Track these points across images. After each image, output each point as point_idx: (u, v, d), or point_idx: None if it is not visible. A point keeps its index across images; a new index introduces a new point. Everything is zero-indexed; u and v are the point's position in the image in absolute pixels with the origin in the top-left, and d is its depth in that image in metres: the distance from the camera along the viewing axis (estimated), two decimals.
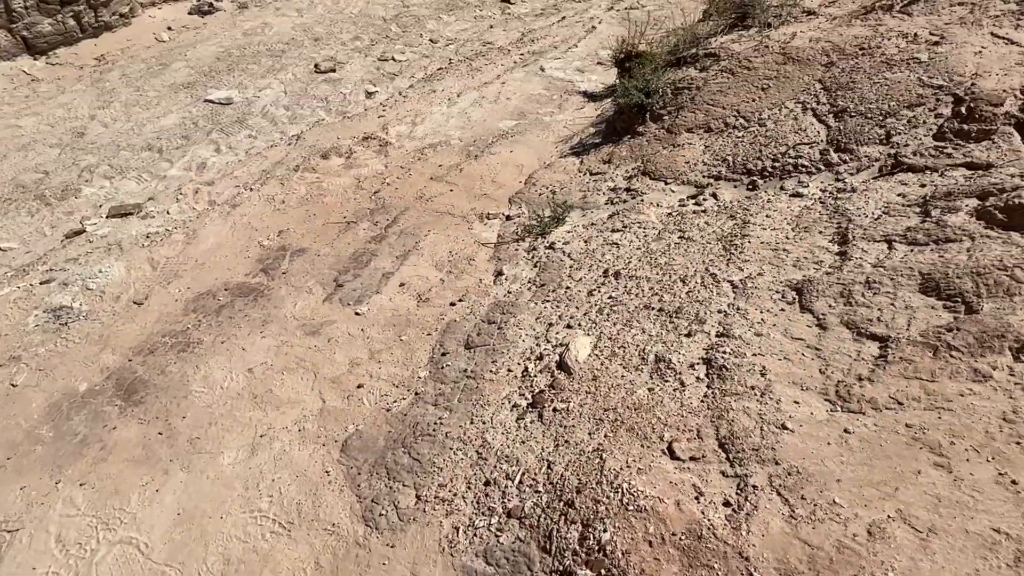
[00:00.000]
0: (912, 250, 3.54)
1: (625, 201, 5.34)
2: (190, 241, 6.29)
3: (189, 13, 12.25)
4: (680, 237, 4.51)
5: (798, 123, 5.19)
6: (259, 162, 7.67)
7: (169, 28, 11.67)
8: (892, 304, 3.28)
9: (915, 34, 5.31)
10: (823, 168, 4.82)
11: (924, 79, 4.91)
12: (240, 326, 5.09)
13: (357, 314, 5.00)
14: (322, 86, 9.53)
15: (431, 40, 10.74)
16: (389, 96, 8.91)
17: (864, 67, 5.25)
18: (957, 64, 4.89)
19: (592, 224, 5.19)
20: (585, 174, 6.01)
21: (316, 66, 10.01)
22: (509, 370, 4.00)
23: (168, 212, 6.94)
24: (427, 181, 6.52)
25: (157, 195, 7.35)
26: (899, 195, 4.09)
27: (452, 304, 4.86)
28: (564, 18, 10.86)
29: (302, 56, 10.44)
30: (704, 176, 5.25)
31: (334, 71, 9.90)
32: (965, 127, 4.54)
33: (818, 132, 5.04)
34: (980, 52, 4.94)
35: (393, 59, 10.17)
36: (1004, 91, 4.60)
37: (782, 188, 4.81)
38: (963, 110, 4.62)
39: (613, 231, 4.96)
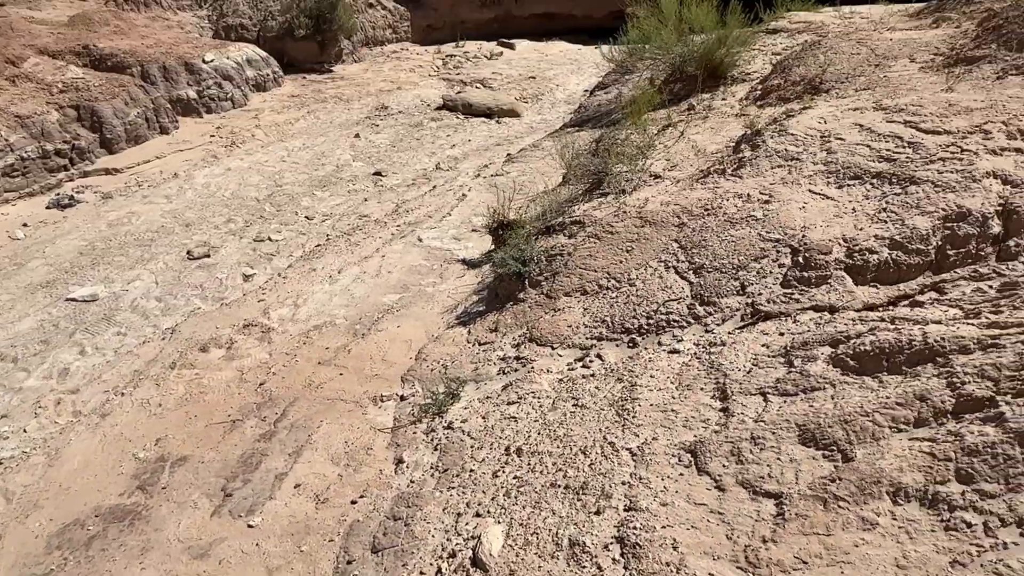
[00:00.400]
0: (785, 401, 3.83)
1: (516, 370, 5.47)
2: (52, 462, 5.73)
3: (47, 207, 11.86)
4: (575, 405, 4.64)
5: (663, 281, 5.63)
6: (130, 362, 7.26)
7: (24, 225, 11.20)
8: (779, 459, 3.48)
9: (748, 194, 6.03)
10: (692, 321, 5.20)
11: (763, 234, 5.53)
12: (115, 559, 4.59)
13: (250, 526, 4.65)
14: (196, 273, 9.35)
15: (307, 217, 10.94)
16: (268, 278, 8.86)
17: (711, 226, 5.85)
18: (787, 219, 5.56)
19: (488, 398, 5.24)
20: (474, 344, 6.14)
21: (189, 252, 9.86)
22: (422, 573, 3.81)
23: (25, 430, 6.33)
24: (315, 367, 6.40)
25: (11, 412, 6.72)
26: (763, 346, 4.46)
27: (353, 502, 4.65)
28: (435, 187, 11.46)
29: (173, 243, 10.27)
30: (587, 338, 5.51)
31: (208, 256, 9.77)
32: (805, 274, 5.11)
33: (682, 288, 5.48)
34: (804, 207, 5.66)
35: (269, 239, 10.22)
36: (830, 240, 5.25)
37: (660, 344, 5.12)
38: (800, 259, 5.22)
39: (509, 404, 5.02)
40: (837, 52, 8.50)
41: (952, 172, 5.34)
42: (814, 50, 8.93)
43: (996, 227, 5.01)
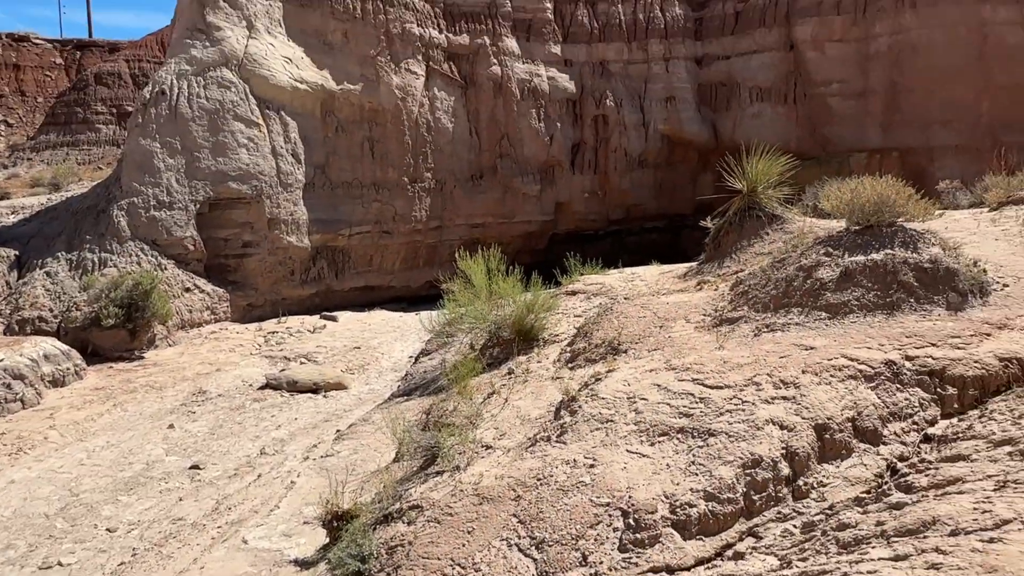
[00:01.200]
0: None
1: None
2: None
3: None
4: None
5: (508, 561, 5.57)
6: None
7: None
8: None
9: (574, 459, 6.38)
10: None
11: (594, 499, 5.79)
12: None
13: None
14: None
15: (108, 529, 9.69)
16: None
17: (546, 496, 6.03)
18: (613, 481, 5.90)
19: None
20: None
21: None
22: None
23: None
24: None
25: None
26: None
27: None
28: (260, 476, 10.81)
29: None
30: None
31: None
32: (638, 536, 5.35)
33: (527, 567, 5.45)
34: (625, 467, 6.07)
35: (59, 564, 8.83)
36: (654, 498, 5.62)
37: None
38: (631, 521, 5.48)
39: None
40: (628, 316, 9.76)
41: (740, 422, 6.10)
42: (608, 315, 10.19)
43: (785, 469, 5.70)
